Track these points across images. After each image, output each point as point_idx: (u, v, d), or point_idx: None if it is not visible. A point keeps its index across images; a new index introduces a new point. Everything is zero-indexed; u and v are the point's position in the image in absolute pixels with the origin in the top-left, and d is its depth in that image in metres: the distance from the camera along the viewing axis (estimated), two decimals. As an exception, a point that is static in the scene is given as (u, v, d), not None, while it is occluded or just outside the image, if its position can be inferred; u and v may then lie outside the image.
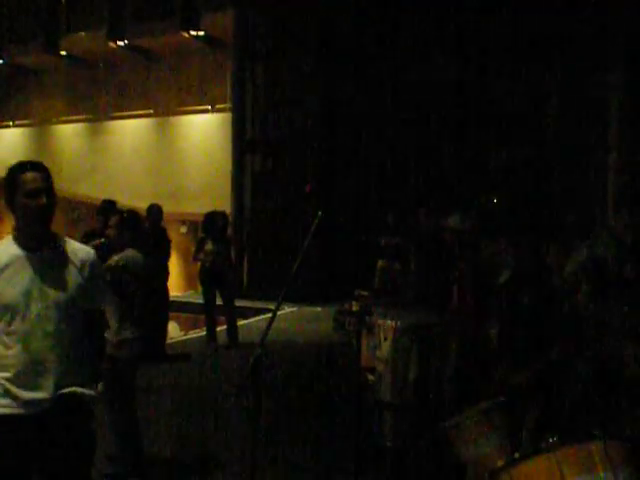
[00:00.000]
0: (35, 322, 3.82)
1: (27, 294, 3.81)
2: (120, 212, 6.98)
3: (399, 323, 5.48)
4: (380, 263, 13.22)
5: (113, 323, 6.29)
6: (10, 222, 3.97)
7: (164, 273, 11.48)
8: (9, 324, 3.81)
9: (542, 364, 5.14)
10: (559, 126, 15.11)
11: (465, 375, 7.11)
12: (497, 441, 5.40)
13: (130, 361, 6.43)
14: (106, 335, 5.94)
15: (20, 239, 3.88)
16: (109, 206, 10.11)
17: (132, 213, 6.96)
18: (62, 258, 3.94)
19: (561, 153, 14.88)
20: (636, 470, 3.59)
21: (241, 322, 13.63)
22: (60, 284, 3.89)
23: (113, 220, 6.65)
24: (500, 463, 5.38)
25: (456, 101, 16.06)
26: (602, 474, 3.57)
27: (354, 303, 8.98)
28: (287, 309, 16.54)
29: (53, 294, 3.86)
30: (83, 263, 3.98)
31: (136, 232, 6.71)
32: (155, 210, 11.62)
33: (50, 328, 3.84)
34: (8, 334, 3.81)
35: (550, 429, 4.25)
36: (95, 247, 4.82)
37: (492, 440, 5.43)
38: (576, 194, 14.06)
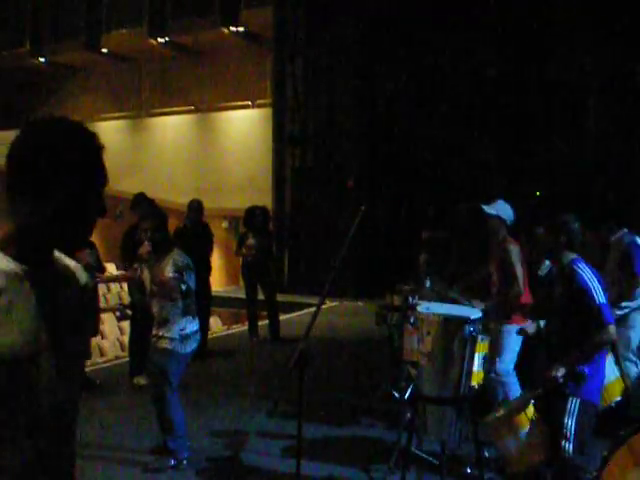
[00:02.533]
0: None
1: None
2: (152, 214, 6.97)
3: (442, 317, 5.44)
4: (422, 257, 13.17)
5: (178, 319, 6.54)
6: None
7: (207, 268, 11.51)
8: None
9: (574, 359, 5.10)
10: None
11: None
12: (536, 435, 5.37)
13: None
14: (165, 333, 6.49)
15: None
16: (140, 199, 10.13)
17: (160, 214, 6.99)
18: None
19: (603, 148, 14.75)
20: None
21: (283, 317, 13.66)
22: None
23: (147, 225, 6.73)
24: (540, 456, 5.37)
25: (497, 96, 15.93)
26: None
27: (396, 297, 9.00)
28: (329, 304, 16.56)
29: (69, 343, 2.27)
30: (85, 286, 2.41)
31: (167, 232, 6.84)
32: (196, 205, 11.58)
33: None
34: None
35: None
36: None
37: (531, 434, 5.40)
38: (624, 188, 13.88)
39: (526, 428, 5.48)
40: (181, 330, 6.59)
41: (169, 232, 6.94)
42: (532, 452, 5.45)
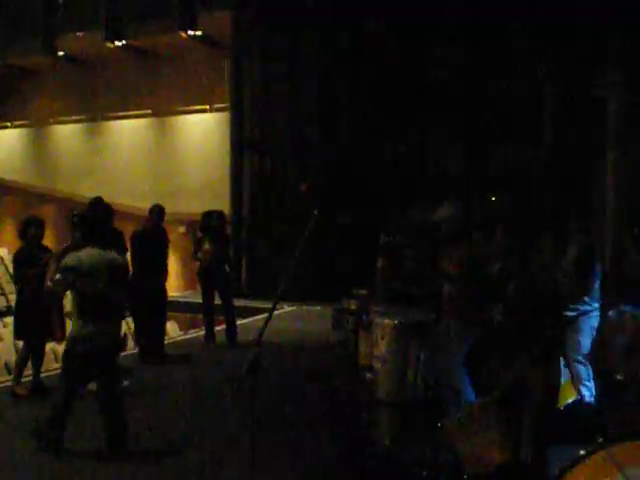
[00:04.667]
0: None
1: None
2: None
3: (396, 322, 5.48)
4: (380, 262, 13.22)
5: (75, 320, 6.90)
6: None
7: (162, 273, 11.50)
8: None
9: (525, 362, 5.17)
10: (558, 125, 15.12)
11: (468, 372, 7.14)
12: (496, 437, 5.41)
13: (85, 355, 6.91)
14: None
15: None
16: (96, 204, 10.09)
17: (83, 214, 7.91)
18: None
19: (561, 153, 14.89)
20: None
21: (240, 321, 13.62)
22: None
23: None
24: (500, 460, 5.40)
25: (453, 99, 16.05)
26: None
27: (352, 302, 9.04)
28: (287, 308, 16.56)
29: None
30: None
31: (89, 231, 7.17)
32: (157, 210, 11.67)
33: None
34: None
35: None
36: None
37: (490, 436, 5.44)
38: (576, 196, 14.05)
39: (485, 429, 5.50)
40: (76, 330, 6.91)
41: (91, 232, 7.17)
42: (493, 453, 5.47)
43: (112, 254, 7.15)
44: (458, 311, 7.01)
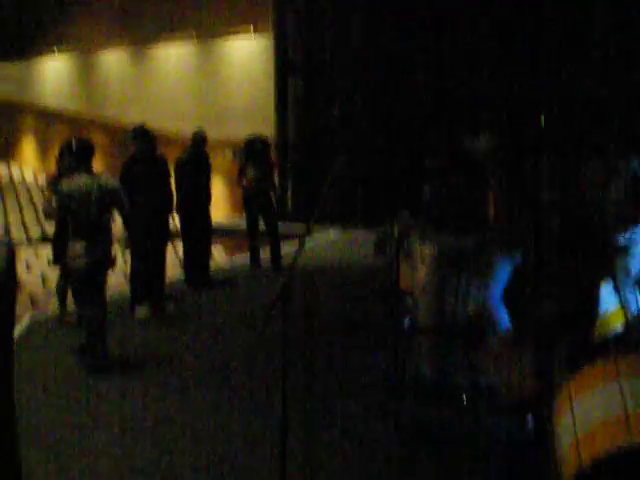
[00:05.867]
0: None
1: None
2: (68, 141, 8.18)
3: (436, 248, 5.41)
4: (426, 187, 13.05)
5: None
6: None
7: (206, 198, 11.52)
8: None
9: (568, 296, 5.06)
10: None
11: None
12: (530, 364, 5.37)
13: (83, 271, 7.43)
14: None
15: None
16: (139, 132, 10.10)
17: (75, 140, 8.00)
18: None
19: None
20: None
21: (286, 246, 13.66)
22: None
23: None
24: (534, 389, 5.38)
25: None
26: None
27: (395, 226, 8.95)
28: (332, 232, 16.53)
29: None
30: None
31: (83, 158, 7.70)
32: (199, 137, 11.66)
33: None
34: None
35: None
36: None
37: (525, 363, 5.41)
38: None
39: (518, 360, 5.47)
40: (70, 249, 7.42)
41: (86, 159, 7.71)
42: (527, 381, 5.45)
43: (104, 179, 7.81)
44: (502, 239, 6.90)
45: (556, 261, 5.26)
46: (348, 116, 17.06)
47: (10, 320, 3.15)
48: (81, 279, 7.54)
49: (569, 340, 5.07)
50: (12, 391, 3.06)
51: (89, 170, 7.69)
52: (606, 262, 5.75)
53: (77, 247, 7.40)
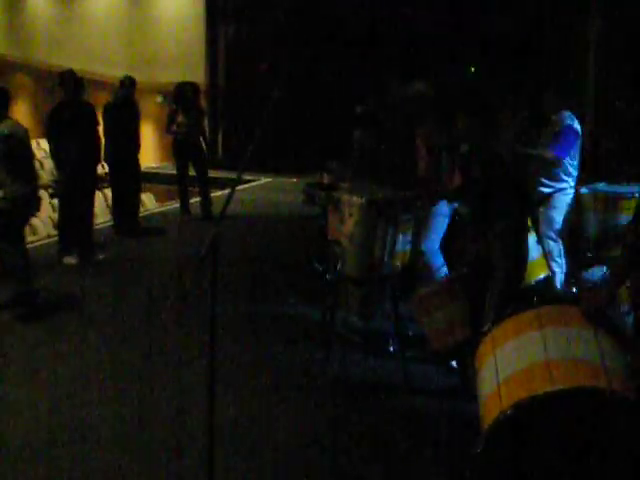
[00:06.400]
0: None
1: None
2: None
3: (364, 199, 5.44)
4: (356, 133, 13.03)
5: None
6: None
7: (135, 144, 11.39)
8: None
9: (493, 236, 5.17)
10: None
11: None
12: (458, 313, 5.48)
13: (22, 212, 7.73)
14: None
15: None
16: (68, 76, 9.92)
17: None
18: None
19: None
20: None
21: (216, 193, 13.62)
22: None
23: None
24: (461, 336, 5.49)
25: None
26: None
27: (325, 176, 8.97)
28: (263, 180, 16.53)
29: None
30: None
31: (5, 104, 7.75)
32: (127, 82, 11.46)
33: None
34: None
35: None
36: None
37: (453, 312, 5.51)
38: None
39: (449, 304, 5.57)
40: (14, 192, 7.45)
41: (8, 105, 7.77)
42: (455, 329, 5.56)
43: (20, 124, 7.88)
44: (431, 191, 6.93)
45: (482, 212, 5.34)
46: (277, 62, 16.93)
47: None
48: (2, 224, 7.57)
49: (498, 288, 5.17)
50: None
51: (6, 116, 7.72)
52: (530, 213, 5.88)
53: (24, 188, 7.55)
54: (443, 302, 5.52)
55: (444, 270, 6.93)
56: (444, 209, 6.83)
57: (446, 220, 6.96)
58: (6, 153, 7.44)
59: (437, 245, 7.08)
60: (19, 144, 7.59)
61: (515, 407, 3.48)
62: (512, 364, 3.73)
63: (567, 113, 7.66)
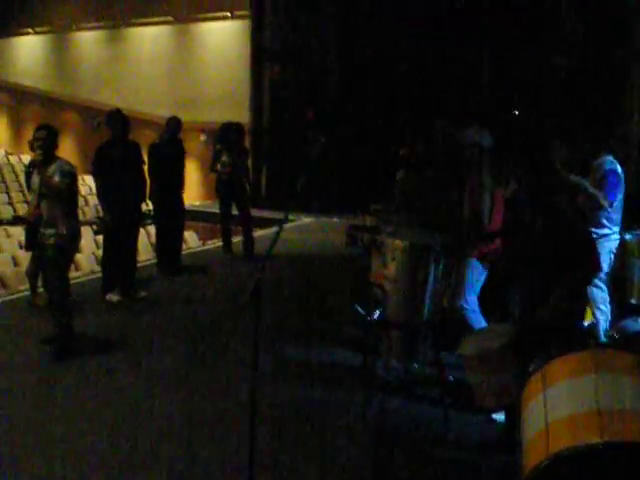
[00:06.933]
0: None
1: None
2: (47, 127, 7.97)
3: (407, 243, 5.42)
4: (399, 174, 13.01)
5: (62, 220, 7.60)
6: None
7: (179, 184, 11.47)
8: None
9: (561, 298, 4.94)
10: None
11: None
12: (509, 380, 5.34)
13: (73, 248, 7.93)
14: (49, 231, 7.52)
15: None
16: (115, 116, 10.04)
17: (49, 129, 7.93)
18: None
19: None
20: None
21: (259, 233, 13.67)
22: None
23: (40, 134, 7.74)
24: (508, 401, 5.35)
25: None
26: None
27: (367, 218, 8.95)
28: (305, 220, 16.56)
29: None
30: None
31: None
32: (174, 122, 11.60)
33: None
34: None
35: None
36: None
37: (504, 380, 5.36)
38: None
39: (497, 370, 5.42)
40: (68, 229, 7.58)
41: (56, 144, 7.84)
42: (504, 396, 5.41)
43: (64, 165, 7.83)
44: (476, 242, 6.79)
45: (537, 261, 5.17)
46: (323, 104, 17.06)
47: None
48: (49, 265, 7.70)
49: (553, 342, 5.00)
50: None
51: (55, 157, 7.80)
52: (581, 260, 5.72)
53: (47, 233, 7.57)
54: (493, 370, 5.35)
55: (481, 322, 6.68)
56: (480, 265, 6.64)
57: (482, 271, 6.72)
58: (64, 190, 7.58)
59: (476, 302, 6.81)
60: (73, 182, 7.77)
61: (557, 457, 3.40)
62: (563, 405, 3.64)
63: (608, 157, 7.57)
